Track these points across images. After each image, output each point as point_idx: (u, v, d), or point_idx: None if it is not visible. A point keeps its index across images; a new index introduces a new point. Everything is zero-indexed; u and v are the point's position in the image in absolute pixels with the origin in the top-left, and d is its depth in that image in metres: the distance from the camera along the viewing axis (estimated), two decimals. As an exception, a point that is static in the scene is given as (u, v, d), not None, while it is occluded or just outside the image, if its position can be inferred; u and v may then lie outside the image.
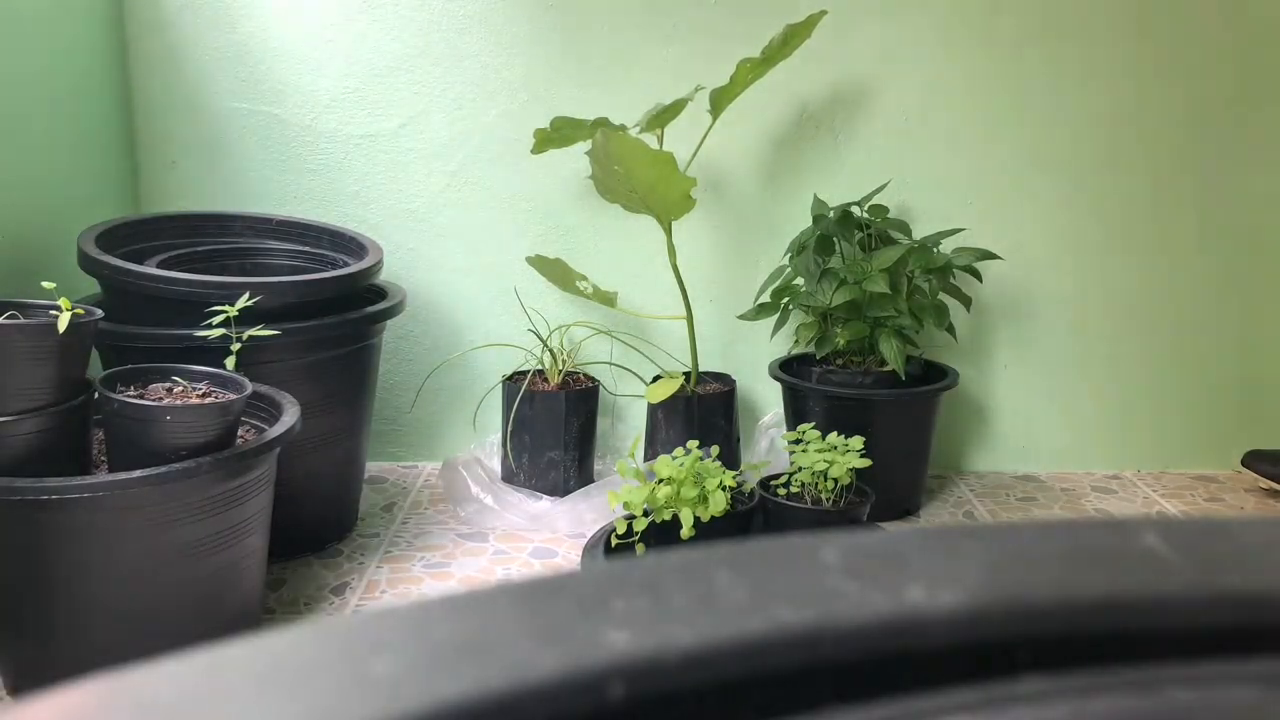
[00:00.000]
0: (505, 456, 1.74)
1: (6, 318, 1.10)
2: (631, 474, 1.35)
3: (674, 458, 1.36)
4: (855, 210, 1.71)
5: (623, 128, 1.56)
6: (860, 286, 1.61)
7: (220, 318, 1.28)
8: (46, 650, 1.09)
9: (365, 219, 1.83)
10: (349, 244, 1.67)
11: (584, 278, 1.74)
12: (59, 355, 1.12)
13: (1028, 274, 1.87)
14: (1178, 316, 1.89)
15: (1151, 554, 0.25)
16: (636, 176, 1.47)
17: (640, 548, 1.35)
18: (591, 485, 1.69)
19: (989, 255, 1.70)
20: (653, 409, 1.73)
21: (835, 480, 1.42)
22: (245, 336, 1.29)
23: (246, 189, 1.82)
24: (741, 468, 1.56)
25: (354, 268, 1.53)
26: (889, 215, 1.76)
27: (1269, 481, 1.81)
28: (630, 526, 1.34)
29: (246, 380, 1.20)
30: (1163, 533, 0.26)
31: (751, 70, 1.57)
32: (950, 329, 1.71)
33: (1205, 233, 1.86)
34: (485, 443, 1.83)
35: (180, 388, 1.21)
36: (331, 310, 1.45)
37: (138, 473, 1.04)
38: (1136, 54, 1.79)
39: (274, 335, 1.31)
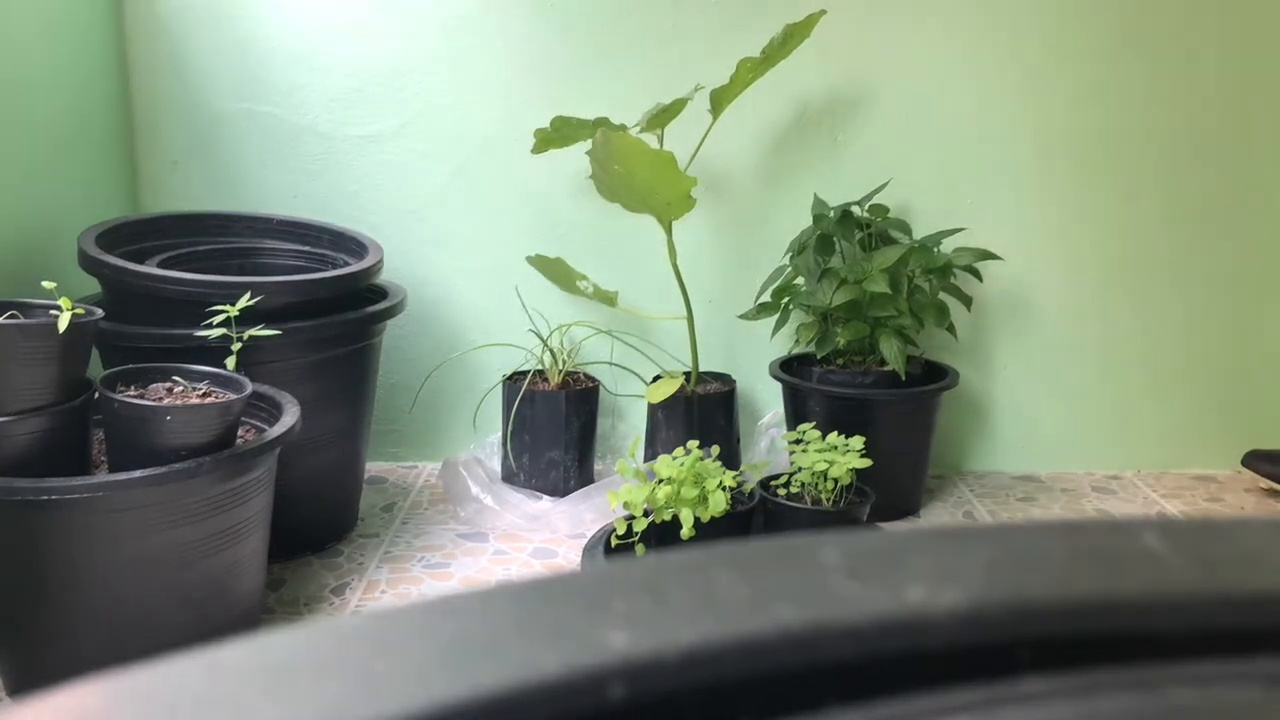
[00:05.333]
0: (505, 456, 1.74)
1: (7, 318, 1.10)
2: (631, 474, 1.35)
3: (674, 458, 1.36)
4: (855, 210, 1.71)
5: (623, 128, 1.56)
6: (860, 286, 1.61)
7: (220, 318, 1.28)
8: (46, 650, 1.09)
9: (365, 219, 1.83)
10: (349, 244, 1.67)
11: (584, 277, 1.74)
12: (59, 355, 1.12)
13: (1028, 274, 1.87)
14: (1178, 316, 1.89)
15: (1151, 554, 0.25)
16: (636, 176, 1.47)
17: (640, 548, 1.35)
18: (591, 485, 1.69)
19: (989, 255, 1.70)
20: (653, 409, 1.73)
21: (835, 480, 1.42)
22: (245, 336, 1.29)
23: (246, 189, 1.82)
24: (742, 468, 1.56)
25: (354, 267, 1.53)
26: (889, 215, 1.76)
27: (1269, 481, 1.81)
28: (630, 527, 1.34)
29: (247, 380, 1.20)
30: (1163, 533, 0.26)
31: (752, 70, 1.57)
32: (950, 329, 1.71)
33: (1206, 233, 1.86)
34: (485, 443, 1.83)
35: (180, 388, 1.21)
36: (332, 310, 1.45)
37: (138, 473, 1.04)
38: (1140, 54, 1.79)
39: (274, 335, 1.31)
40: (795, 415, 1.72)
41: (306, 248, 1.68)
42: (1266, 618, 0.23)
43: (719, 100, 1.61)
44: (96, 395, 1.16)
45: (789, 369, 1.76)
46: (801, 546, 0.25)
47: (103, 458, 1.24)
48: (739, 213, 1.86)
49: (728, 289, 1.88)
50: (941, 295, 1.71)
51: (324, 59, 1.78)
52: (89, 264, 1.40)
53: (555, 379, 1.74)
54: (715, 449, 1.49)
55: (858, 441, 1.44)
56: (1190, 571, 0.24)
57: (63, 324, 1.10)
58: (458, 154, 1.82)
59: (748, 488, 1.47)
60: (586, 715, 0.20)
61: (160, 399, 1.16)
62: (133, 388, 1.19)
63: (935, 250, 1.67)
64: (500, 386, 1.78)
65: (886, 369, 1.66)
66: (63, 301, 1.12)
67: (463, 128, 1.81)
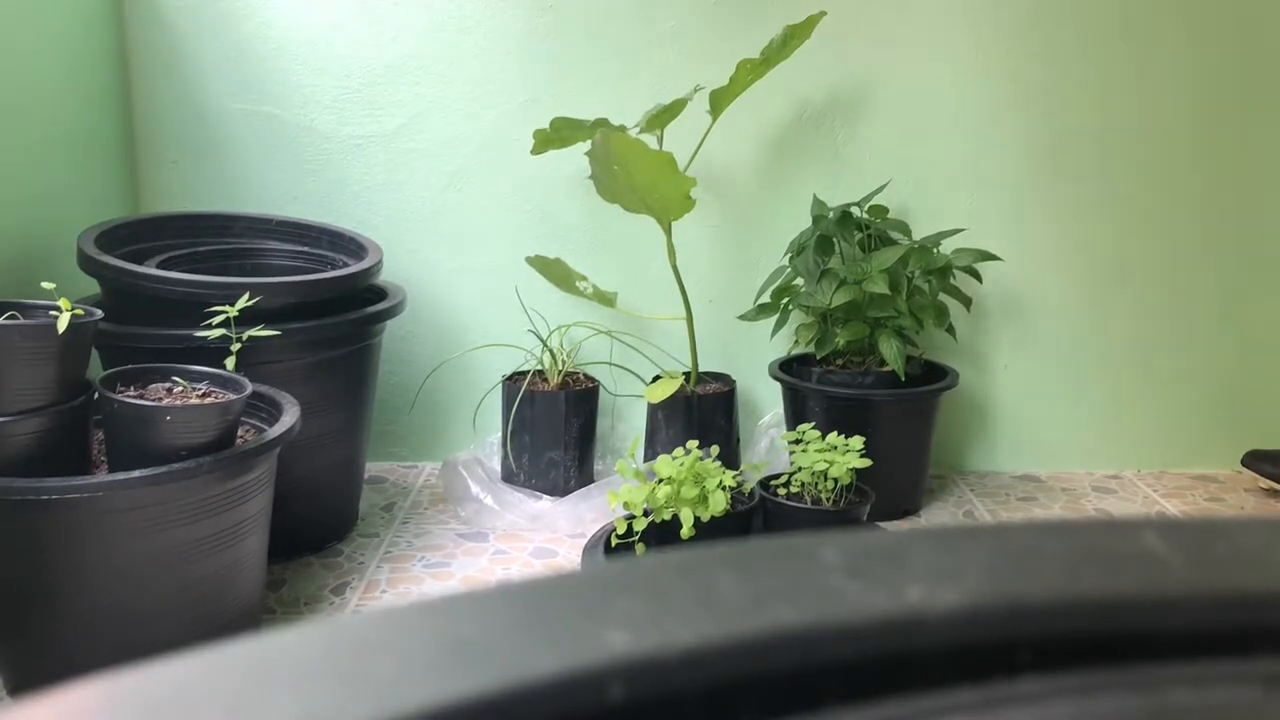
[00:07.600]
0: (505, 456, 1.74)
1: (6, 318, 1.10)
2: (631, 474, 1.35)
3: (674, 458, 1.36)
4: (855, 210, 1.71)
5: (623, 128, 1.56)
6: (860, 287, 1.61)
7: (220, 318, 1.28)
8: (46, 650, 1.09)
9: (365, 219, 1.83)
10: (348, 244, 1.67)
11: (584, 278, 1.74)
12: (59, 356, 1.12)
13: (1027, 274, 1.87)
14: (1178, 316, 1.89)
15: (1151, 554, 0.25)
16: (636, 177, 1.47)
17: (640, 548, 1.35)
18: (591, 485, 1.69)
19: (989, 256, 1.70)
20: (653, 409, 1.73)
21: (835, 480, 1.42)
22: (245, 337, 1.29)
23: (246, 189, 1.82)
24: (741, 468, 1.56)
25: (354, 268, 1.53)
26: (889, 215, 1.76)
27: (1269, 481, 1.81)
28: (630, 526, 1.34)
29: (246, 381, 1.20)
30: (1163, 533, 0.26)
31: (751, 71, 1.57)
32: (950, 329, 1.71)
33: (1206, 233, 1.86)
34: (485, 443, 1.83)
35: (180, 388, 1.21)
36: (331, 311, 1.45)
37: (137, 473, 1.04)
38: (1140, 55, 1.79)
39: (274, 336, 1.31)
40: (795, 415, 1.72)
41: (306, 248, 1.68)
42: (1266, 618, 0.23)
43: (718, 101, 1.61)
44: (96, 395, 1.16)
45: (789, 369, 1.76)
46: (801, 546, 0.25)
47: (102, 458, 1.24)
48: (738, 213, 1.86)
49: (727, 289, 1.88)
50: (941, 296, 1.71)
51: (324, 59, 1.78)
52: (88, 265, 1.40)
53: (555, 379, 1.74)
54: (715, 449, 1.49)
55: (857, 441, 1.44)
56: (1190, 571, 0.24)
57: (62, 325, 1.10)
58: (457, 154, 1.82)
59: (747, 488, 1.47)
60: (586, 715, 0.20)
61: (160, 399, 1.16)
62: (132, 388, 1.19)
63: (935, 251, 1.67)
64: (500, 387, 1.78)
65: (886, 369, 1.66)
66: (62, 302, 1.12)
67: (462, 128, 1.81)
